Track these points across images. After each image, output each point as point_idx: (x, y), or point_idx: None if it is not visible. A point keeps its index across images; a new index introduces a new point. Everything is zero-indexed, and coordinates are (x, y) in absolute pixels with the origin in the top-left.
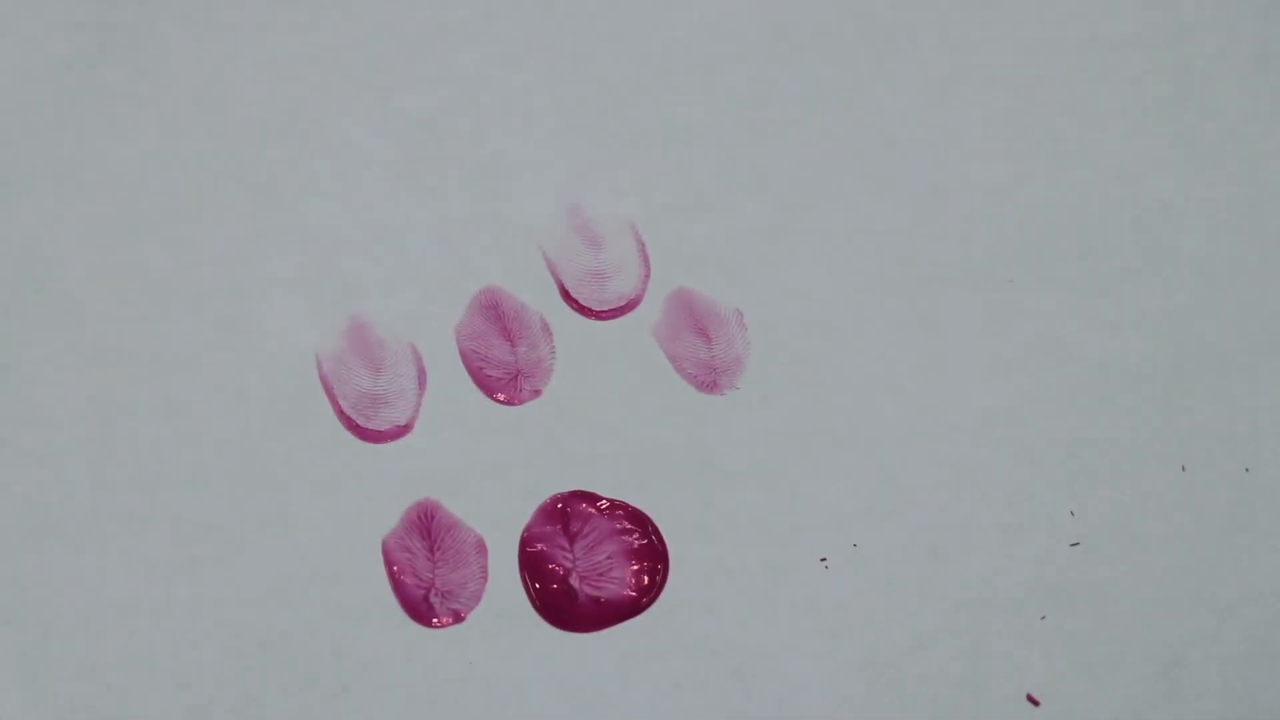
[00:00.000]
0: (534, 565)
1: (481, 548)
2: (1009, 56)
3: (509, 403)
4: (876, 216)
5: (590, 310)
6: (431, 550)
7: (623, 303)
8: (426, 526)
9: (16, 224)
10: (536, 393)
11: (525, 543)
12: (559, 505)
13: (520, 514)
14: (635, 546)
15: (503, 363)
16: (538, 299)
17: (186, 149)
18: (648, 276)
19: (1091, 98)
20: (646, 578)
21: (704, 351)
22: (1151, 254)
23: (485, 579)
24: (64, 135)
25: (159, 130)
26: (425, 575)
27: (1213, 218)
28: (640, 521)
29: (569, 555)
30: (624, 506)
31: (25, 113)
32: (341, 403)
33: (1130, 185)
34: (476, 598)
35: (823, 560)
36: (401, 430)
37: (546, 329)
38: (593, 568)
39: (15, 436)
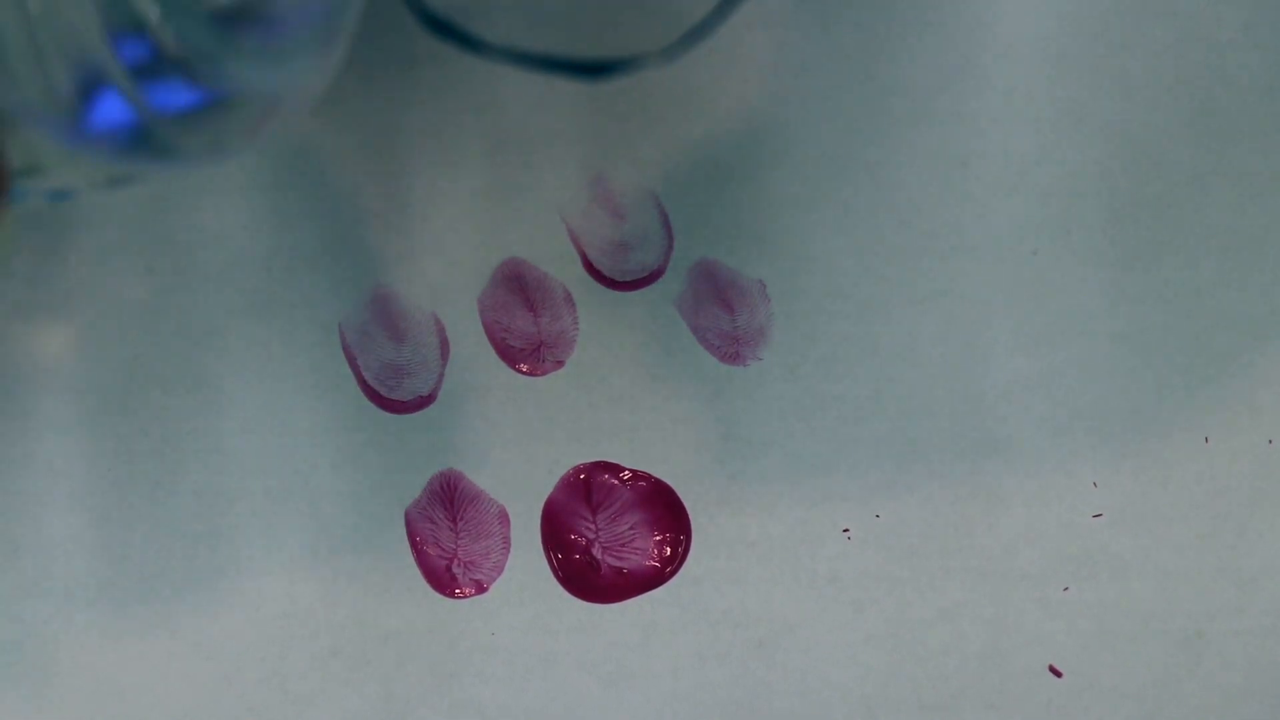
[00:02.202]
0: (556, 535)
1: (504, 518)
2: (1033, 28)
3: (531, 374)
4: (900, 187)
5: (613, 281)
6: (454, 521)
7: (645, 274)
8: (449, 497)
9: None
10: (559, 364)
11: (547, 513)
12: (581, 476)
13: (543, 485)
14: (658, 517)
15: (525, 334)
16: (561, 270)
17: None
18: (671, 248)
19: (1118, 69)
20: (669, 548)
21: (727, 323)
22: (1176, 227)
23: (508, 549)
24: None
25: None
26: (448, 546)
27: (1238, 190)
28: (663, 492)
29: (591, 526)
30: (646, 477)
31: None
32: (364, 373)
33: (1156, 158)
34: (499, 568)
35: (845, 531)
36: (424, 401)
37: (569, 300)
38: (615, 538)
39: (39, 406)
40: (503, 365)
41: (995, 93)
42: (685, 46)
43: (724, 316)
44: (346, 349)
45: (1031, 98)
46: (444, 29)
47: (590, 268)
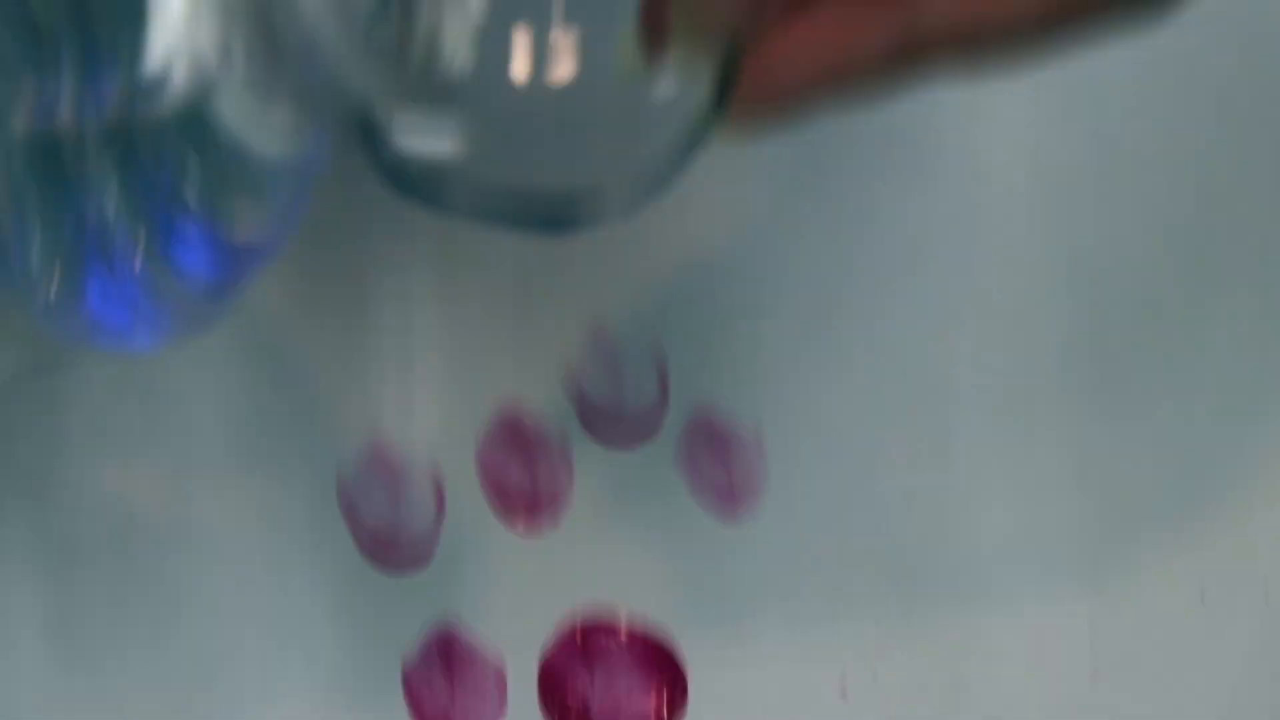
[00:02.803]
0: (553, 694)
1: (500, 678)
2: (1027, 177)
3: (528, 527)
4: (895, 335)
5: (610, 433)
6: (451, 680)
7: (642, 425)
8: (446, 654)
9: None
10: (555, 517)
11: (544, 673)
12: (578, 631)
13: (539, 640)
14: (654, 676)
15: (522, 487)
16: (557, 422)
17: None
18: (667, 398)
19: (1111, 218)
20: (666, 706)
21: (723, 475)
22: (1171, 376)
23: (504, 709)
24: None
25: None
26: (445, 705)
27: (1234, 339)
28: (660, 649)
29: (588, 683)
30: (644, 634)
31: None
32: (361, 527)
33: (1150, 307)
34: None
35: (842, 687)
36: (421, 555)
37: (566, 452)
38: (612, 695)
39: (38, 558)
40: (499, 519)
41: (990, 241)
42: (648, 196)
43: (720, 468)
44: (343, 502)
45: (1026, 246)
46: (406, 183)
47: (587, 420)
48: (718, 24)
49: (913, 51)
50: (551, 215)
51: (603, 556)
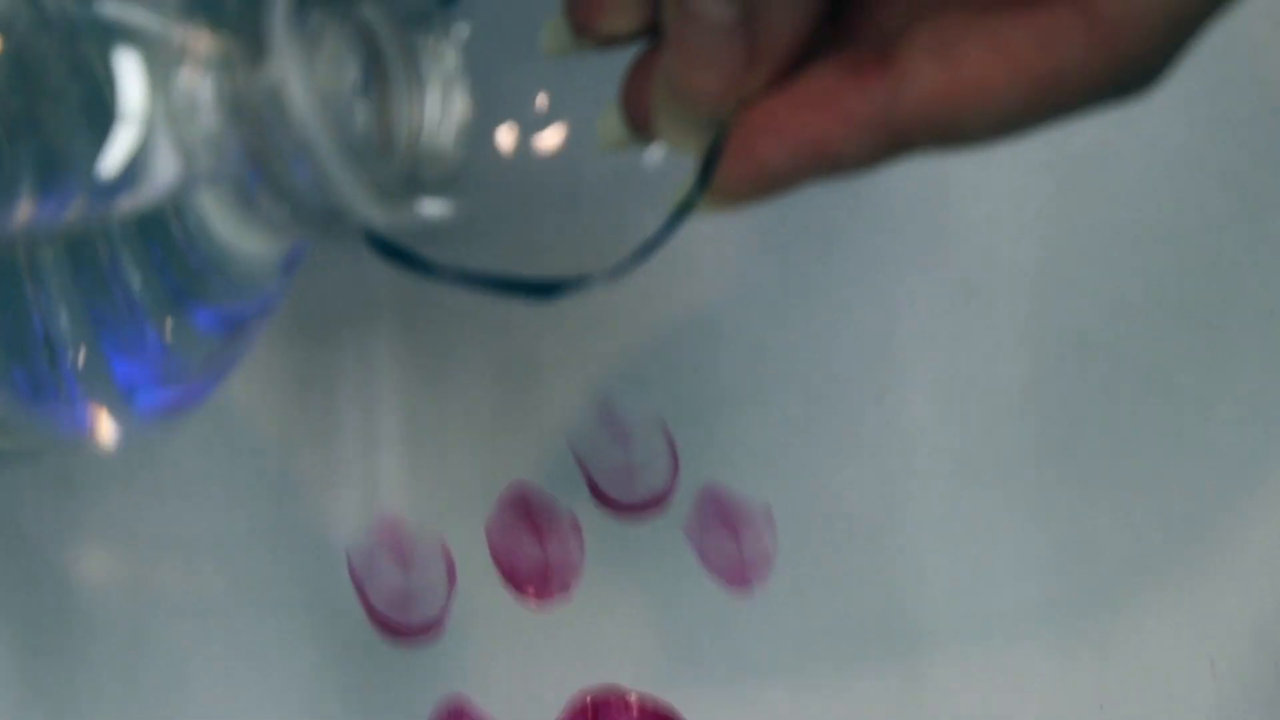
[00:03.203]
0: None
1: None
2: (1035, 252)
3: (539, 599)
4: (904, 411)
5: (619, 506)
6: None
7: (652, 498)
8: None
9: None
10: (566, 589)
11: None
12: (588, 702)
13: (550, 711)
14: None
15: (532, 560)
16: (567, 495)
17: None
18: (677, 472)
19: (1119, 293)
20: None
21: (733, 548)
22: (1179, 450)
23: None
24: None
25: None
26: None
27: (1242, 413)
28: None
29: None
30: (654, 704)
31: None
32: (372, 600)
33: (1158, 381)
34: None
35: None
36: (432, 627)
37: (576, 525)
38: None
39: (49, 637)
40: (510, 591)
41: (998, 316)
42: (633, 265)
43: (730, 541)
44: (354, 576)
45: (1034, 321)
46: (392, 252)
47: (597, 493)
48: (699, 112)
49: (892, 130)
50: (535, 289)
51: (613, 629)
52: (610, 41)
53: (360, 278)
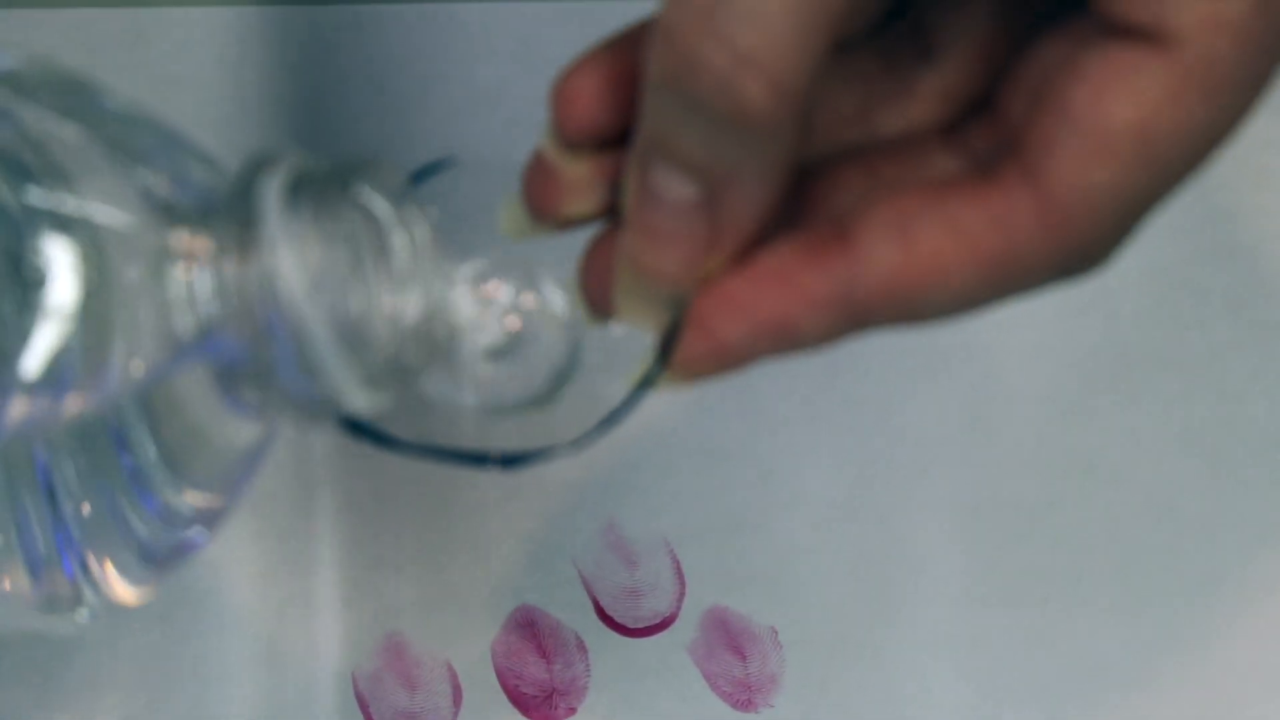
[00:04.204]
0: None
1: None
2: (1042, 378)
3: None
4: (911, 535)
5: (625, 628)
6: None
7: (658, 620)
8: None
9: None
10: (572, 711)
11: None
12: None
13: None
14: None
15: (538, 681)
16: (573, 617)
17: None
18: (683, 594)
19: (1126, 419)
20: None
21: (739, 670)
22: (1187, 575)
23: None
24: None
25: None
26: None
27: (1248, 540)
28: None
29: None
30: None
31: None
32: None
33: (1165, 506)
34: None
35: None
36: None
37: (582, 647)
38: None
39: None
40: (516, 713)
41: (1004, 442)
42: (596, 436)
43: (736, 663)
44: (359, 697)
45: (1040, 446)
46: (357, 429)
47: (603, 614)
48: (659, 291)
49: (852, 308)
50: (499, 461)
51: None
52: (569, 225)
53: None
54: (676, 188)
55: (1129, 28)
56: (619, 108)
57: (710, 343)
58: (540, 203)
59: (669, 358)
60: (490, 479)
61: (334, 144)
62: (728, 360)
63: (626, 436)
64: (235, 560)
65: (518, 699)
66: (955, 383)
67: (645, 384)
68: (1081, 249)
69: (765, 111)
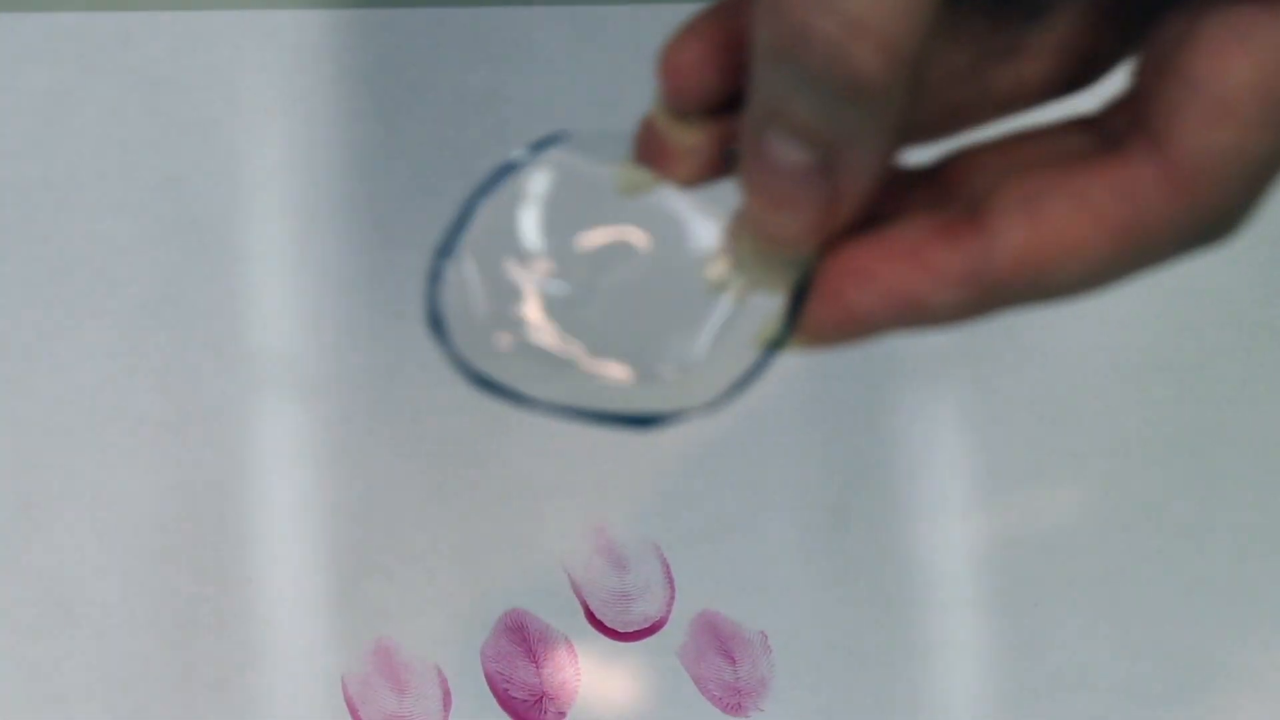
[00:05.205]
0: None
1: None
2: (1031, 381)
3: None
4: (898, 539)
5: (615, 632)
6: None
7: (648, 624)
8: None
9: (44, 546)
10: (561, 714)
11: None
12: None
13: None
14: None
15: (528, 685)
16: (563, 621)
17: (211, 476)
18: (672, 598)
19: (1114, 424)
20: None
21: (729, 673)
22: (1174, 580)
23: None
24: (89, 457)
25: (178, 459)
26: None
27: (1235, 545)
28: None
29: None
30: None
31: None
32: None
33: (1153, 512)
34: None
35: None
36: None
37: (571, 651)
38: None
39: None
40: (506, 717)
41: (995, 443)
42: (727, 399)
43: (726, 667)
44: (349, 701)
45: (1031, 448)
46: (492, 386)
47: (592, 618)
48: (782, 253)
49: (984, 286)
50: (633, 421)
51: None
52: (684, 184)
53: (366, 408)
54: (793, 154)
55: None
56: (725, 74)
57: (840, 311)
58: (654, 167)
59: (796, 320)
60: (482, 483)
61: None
62: (856, 329)
63: (615, 441)
64: (228, 565)
65: (507, 703)
66: (946, 387)
67: (773, 346)
68: (1209, 214)
69: (878, 77)
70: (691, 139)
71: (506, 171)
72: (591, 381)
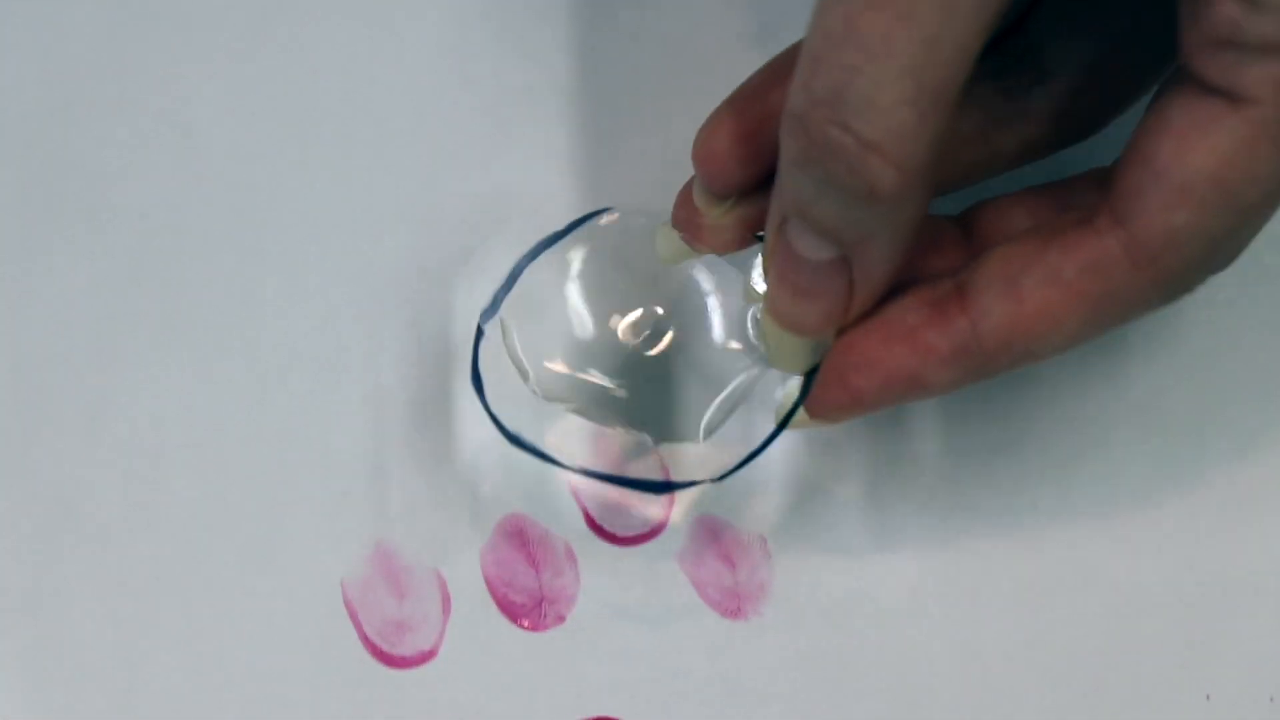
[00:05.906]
0: None
1: None
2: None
3: (533, 629)
4: (900, 441)
5: (615, 536)
6: None
7: (647, 529)
8: None
9: (46, 453)
10: (561, 618)
11: None
12: None
13: None
14: None
15: (527, 589)
16: (562, 525)
17: (220, 377)
18: (672, 502)
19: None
20: None
21: (728, 577)
22: (1173, 478)
23: None
24: (94, 368)
25: (190, 365)
26: None
27: (1239, 443)
28: None
29: None
30: None
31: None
32: (366, 628)
33: (1153, 410)
34: None
35: None
36: (426, 656)
37: (571, 555)
38: None
39: (41, 663)
40: (504, 620)
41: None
42: (737, 469)
43: (725, 571)
44: (348, 604)
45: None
46: (522, 445)
47: (592, 523)
48: (803, 344)
49: (973, 360)
50: (650, 486)
51: (608, 658)
52: (716, 252)
53: (371, 321)
54: (815, 250)
55: (1209, 88)
56: (753, 161)
57: (848, 395)
58: (690, 238)
59: (806, 396)
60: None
61: None
62: (862, 409)
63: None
64: (228, 468)
65: (507, 607)
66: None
67: (787, 423)
68: (1170, 284)
69: (893, 189)
70: (725, 217)
71: (552, 241)
72: (614, 444)
